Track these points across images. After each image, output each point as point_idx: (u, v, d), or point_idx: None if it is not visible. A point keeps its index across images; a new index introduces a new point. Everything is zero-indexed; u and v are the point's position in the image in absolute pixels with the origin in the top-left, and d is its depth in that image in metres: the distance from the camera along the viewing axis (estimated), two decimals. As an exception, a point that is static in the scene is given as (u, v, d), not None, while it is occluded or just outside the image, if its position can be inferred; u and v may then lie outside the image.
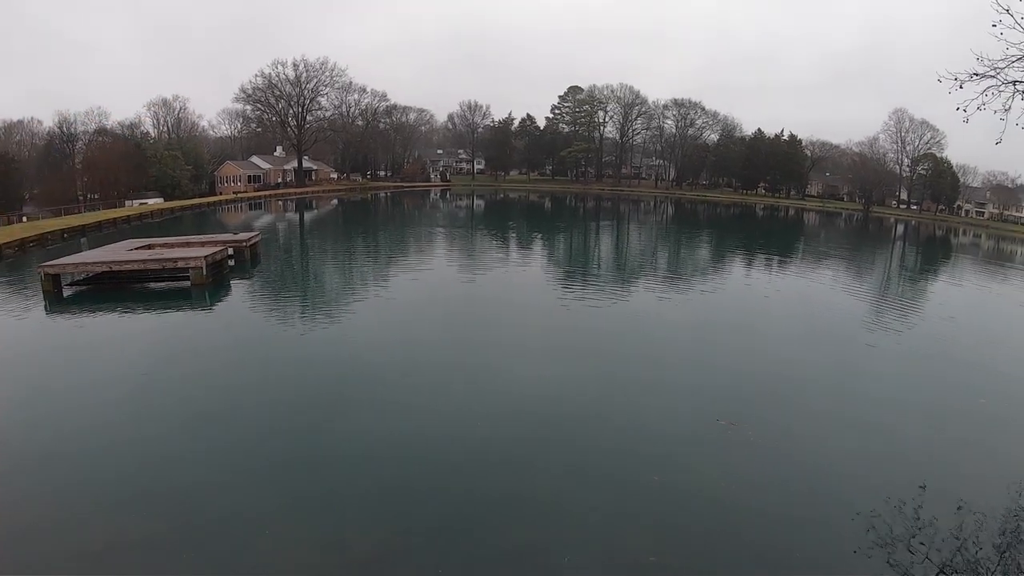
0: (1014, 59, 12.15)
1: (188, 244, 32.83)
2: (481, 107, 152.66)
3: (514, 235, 63.26)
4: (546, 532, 11.61)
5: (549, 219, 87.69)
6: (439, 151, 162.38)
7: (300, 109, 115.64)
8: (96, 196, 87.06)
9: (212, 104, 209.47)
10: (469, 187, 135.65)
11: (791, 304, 35.68)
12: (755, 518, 12.73)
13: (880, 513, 13.05)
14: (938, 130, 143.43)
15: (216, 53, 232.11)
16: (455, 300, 30.25)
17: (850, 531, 12.35)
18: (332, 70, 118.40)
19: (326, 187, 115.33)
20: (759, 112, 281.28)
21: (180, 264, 28.01)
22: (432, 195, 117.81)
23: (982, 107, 12.79)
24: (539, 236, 63.97)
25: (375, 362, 19.78)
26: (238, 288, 29.41)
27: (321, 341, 21.85)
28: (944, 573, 11.60)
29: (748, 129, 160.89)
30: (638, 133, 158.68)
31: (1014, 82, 12.50)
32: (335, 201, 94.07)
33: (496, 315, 27.77)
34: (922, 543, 12.33)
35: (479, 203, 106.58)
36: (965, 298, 45.16)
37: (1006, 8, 11.39)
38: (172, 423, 14.34)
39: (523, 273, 39.42)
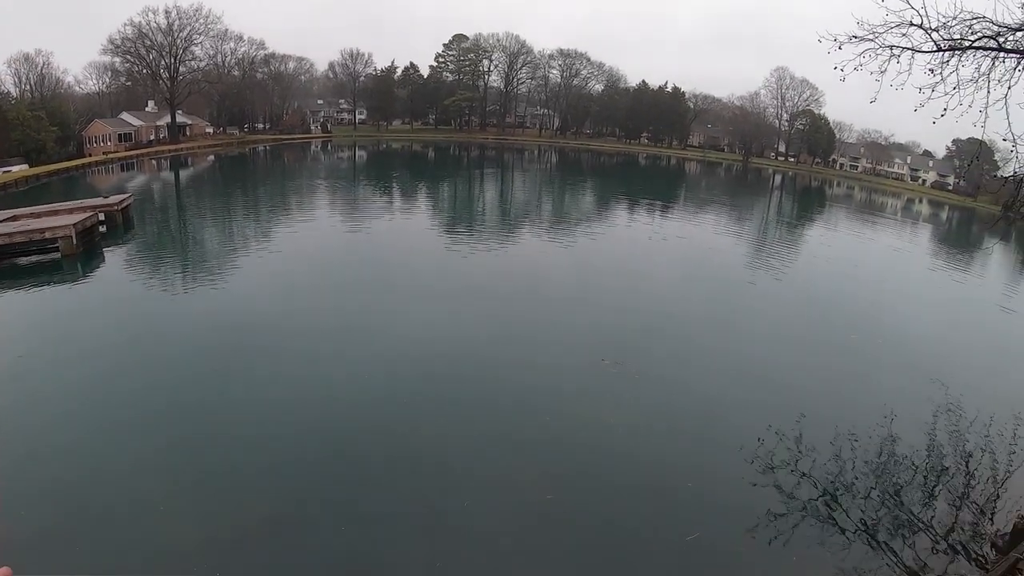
0: (892, 25, 13.14)
1: (55, 212, 31.36)
2: (363, 55, 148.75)
3: (398, 186, 63.47)
4: (443, 487, 12.15)
5: (433, 169, 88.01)
6: (319, 101, 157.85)
7: (173, 60, 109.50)
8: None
9: (78, 57, 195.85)
10: (351, 138, 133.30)
11: (673, 248, 37.46)
12: (644, 453, 13.90)
13: (764, 441, 14.51)
14: (817, 88, 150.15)
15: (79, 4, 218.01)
16: (341, 255, 30.61)
17: (736, 460, 13.65)
18: (207, 17, 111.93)
19: (202, 143, 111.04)
20: (645, 64, 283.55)
21: (48, 235, 27.07)
22: (313, 147, 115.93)
23: (859, 68, 13.86)
24: (423, 186, 64.45)
25: (263, 326, 19.84)
26: (112, 256, 28.63)
27: (203, 310, 21.63)
28: (826, 494, 13.10)
29: (633, 80, 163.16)
30: (523, 83, 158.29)
31: (891, 47, 13.52)
32: (211, 157, 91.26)
33: (383, 268, 28.22)
34: (804, 468, 13.78)
35: (361, 154, 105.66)
36: (839, 243, 48.36)
37: None
38: (55, 409, 14.11)
39: (408, 224, 40.21)
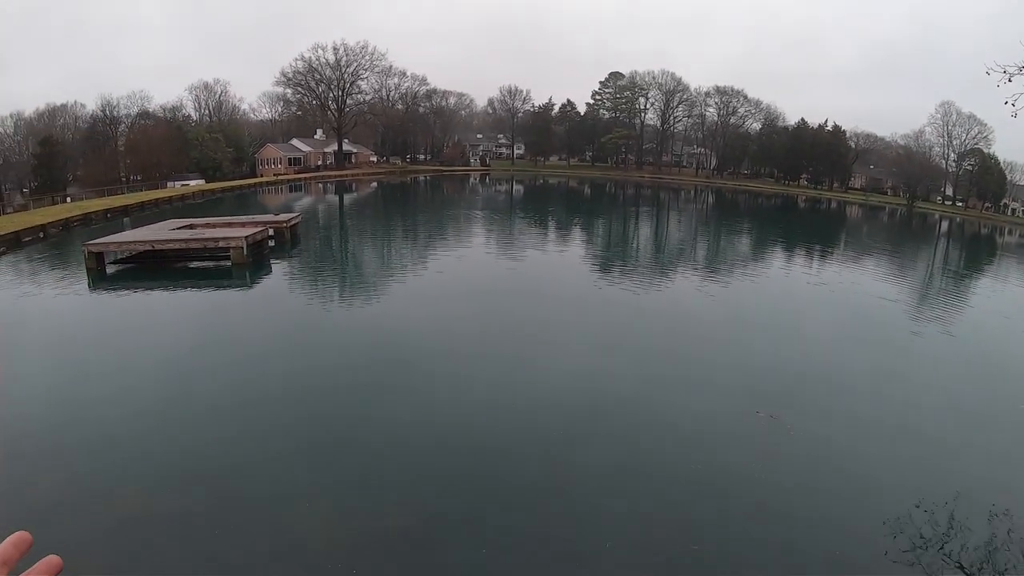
0: None
1: (229, 224, 33.01)
2: (521, 92, 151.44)
3: (553, 221, 62.90)
4: (583, 521, 11.53)
5: (588, 206, 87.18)
6: (479, 135, 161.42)
7: (340, 92, 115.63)
8: (139, 178, 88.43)
9: (253, 87, 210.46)
10: (508, 172, 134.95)
11: (832, 301, 35.03)
12: (789, 515, 12.61)
13: (912, 518, 12.77)
14: (985, 124, 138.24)
15: (256, 35, 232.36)
16: (493, 286, 30.09)
17: (881, 534, 12.10)
18: (372, 54, 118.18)
19: (365, 170, 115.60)
20: (802, 100, 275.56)
21: (221, 244, 28.16)
22: (471, 179, 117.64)
23: None
24: (578, 223, 63.55)
25: (413, 347, 19.71)
26: (278, 269, 29.64)
27: (359, 324, 21.87)
28: None
29: (791, 118, 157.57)
30: (679, 120, 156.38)
31: None
32: (374, 184, 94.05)
33: (534, 303, 27.59)
34: (951, 551, 12.05)
35: (518, 188, 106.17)
36: (1014, 300, 44.09)
37: None
38: (210, 403, 14.40)
39: (561, 261, 39.19)
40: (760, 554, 11.17)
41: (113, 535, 9.82)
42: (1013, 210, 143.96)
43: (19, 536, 1.04)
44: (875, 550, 11.67)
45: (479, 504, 11.59)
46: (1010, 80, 12.50)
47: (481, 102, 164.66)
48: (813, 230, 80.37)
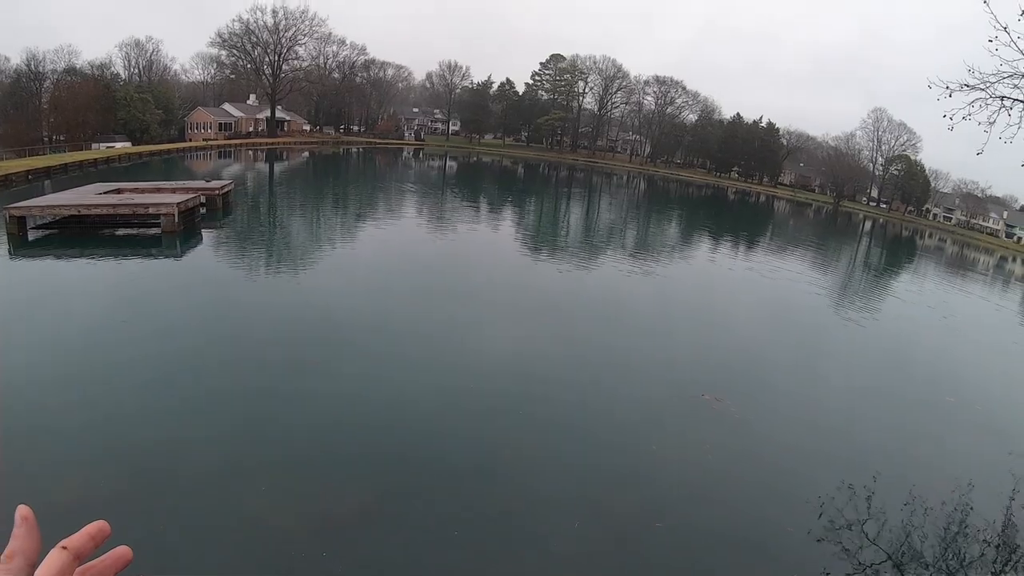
0: (1005, 75, 12.55)
1: (159, 190, 32.30)
2: (461, 68, 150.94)
3: (485, 198, 63.40)
4: (533, 501, 11.87)
5: (522, 185, 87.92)
6: (415, 109, 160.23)
7: (276, 58, 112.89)
8: (63, 138, 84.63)
9: (186, 47, 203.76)
10: (443, 148, 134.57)
11: (759, 290, 36.32)
12: (722, 498, 13.19)
13: (835, 499, 13.56)
14: (915, 133, 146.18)
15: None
16: (425, 261, 30.38)
17: (805, 513, 12.85)
18: (312, 20, 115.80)
19: (298, 139, 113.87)
20: (742, 97, 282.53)
21: (151, 211, 27.48)
22: (405, 153, 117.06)
23: (968, 117, 13.21)
24: (511, 201, 64.32)
25: (347, 322, 19.80)
26: (209, 238, 29.16)
27: (292, 298, 21.79)
28: (891, 559, 12.10)
29: (728, 112, 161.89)
30: (617, 107, 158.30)
31: (1002, 97, 12.91)
32: (306, 154, 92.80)
33: (465, 277, 28.12)
34: (871, 530, 12.85)
35: (452, 164, 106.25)
36: (931, 297, 46.35)
37: (1004, 26, 11.79)
38: (139, 376, 14.19)
39: (494, 240, 39.60)
40: (696, 535, 11.85)
41: (41, 515, 9.54)
42: (935, 215, 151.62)
43: (97, 526, 0.95)
44: (802, 530, 12.42)
45: (430, 483, 11.74)
46: (950, 95, 13.36)
47: (419, 75, 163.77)
48: (742, 221, 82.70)
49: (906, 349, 28.73)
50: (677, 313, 27.30)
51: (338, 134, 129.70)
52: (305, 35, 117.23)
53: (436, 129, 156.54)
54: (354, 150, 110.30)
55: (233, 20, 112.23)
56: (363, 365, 16.42)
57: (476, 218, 47.72)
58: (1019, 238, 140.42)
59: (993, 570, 12.66)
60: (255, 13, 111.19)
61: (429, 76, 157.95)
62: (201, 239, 28.56)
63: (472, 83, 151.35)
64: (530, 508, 11.52)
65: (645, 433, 15.15)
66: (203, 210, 32.67)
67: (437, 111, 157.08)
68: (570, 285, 28.99)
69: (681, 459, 14.23)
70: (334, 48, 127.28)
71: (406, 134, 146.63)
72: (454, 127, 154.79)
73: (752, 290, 35.31)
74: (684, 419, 16.30)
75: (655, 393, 17.67)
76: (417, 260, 30.09)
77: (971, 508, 14.55)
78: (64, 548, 0.97)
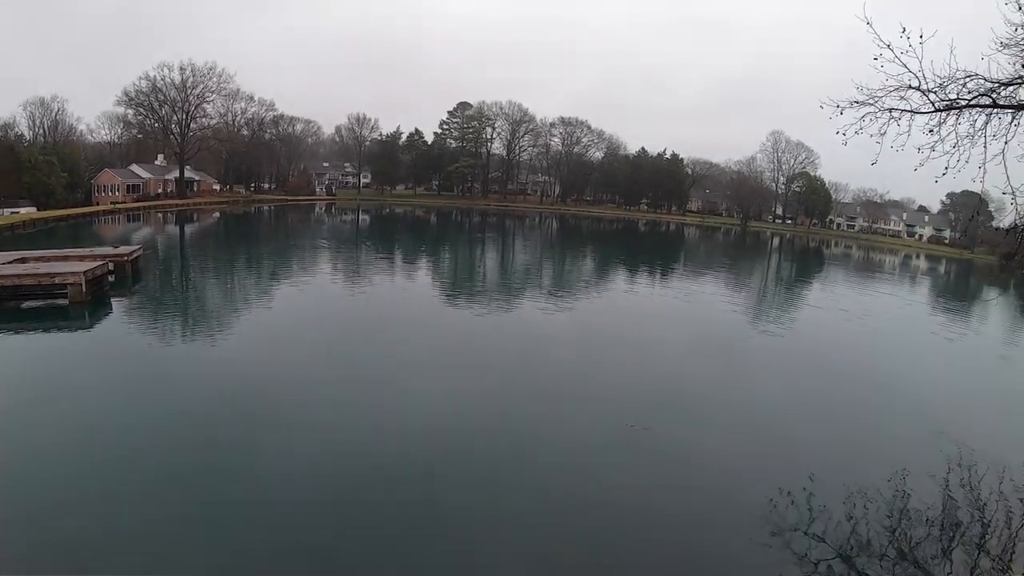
0: (891, 89, 13.84)
1: (66, 258, 31.51)
2: (369, 120, 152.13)
3: (400, 250, 63.99)
4: (476, 545, 12.04)
5: (435, 234, 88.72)
6: (325, 164, 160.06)
7: (184, 116, 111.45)
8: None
9: (92, 106, 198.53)
10: (355, 201, 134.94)
11: (677, 311, 37.83)
12: (670, 518, 13.83)
13: (776, 504, 14.43)
14: (812, 151, 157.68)
15: (97, 49, 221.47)
16: (343, 317, 30.46)
17: (750, 523, 13.58)
18: (220, 76, 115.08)
19: (208, 199, 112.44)
20: (646, 131, 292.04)
21: (57, 280, 26.84)
22: (317, 209, 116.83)
23: (859, 132, 14.51)
24: (425, 251, 64.97)
25: (265, 384, 19.58)
26: (120, 307, 28.35)
27: (210, 366, 21.32)
28: (841, 554, 12.89)
29: (632, 147, 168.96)
30: (525, 150, 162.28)
31: (890, 109, 14.22)
32: (217, 214, 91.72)
33: (385, 333, 27.96)
34: (817, 530, 13.66)
35: (365, 218, 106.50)
36: (842, 300, 49.19)
37: (887, 44, 12.90)
38: (50, 451, 13.96)
39: (410, 289, 40.21)
40: (645, 569, 12.05)
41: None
42: (838, 224, 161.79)
43: None
44: (747, 539, 13.05)
45: (370, 550, 11.62)
46: (841, 113, 14.62)
47: (329, 129, 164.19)
48: (655, 250, 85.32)
49: (826, 353, 30.52)
50: (599, 346, 28.06)
51: (249, 192, 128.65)
52: (213, 92, 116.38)
53: (347, 183, 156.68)
54: (266, 208, 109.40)
55: (140, 78, 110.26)
56: (284, 434, 16.10)
57: (392, 270, 48.13)
58: (920, 236, 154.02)
59: (941, 547, 13.57)
60: (162, 70, 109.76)
61: (338, 129, 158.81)
62: (111, 309, 27.76)
63: (381, 134, 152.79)
64: (474, 564, 11.54)
65: (581, 472, 15.45)
66: (112, 278, 31.87)
67: (347, 164, 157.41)
68: (490, 329, 29.58)
69: (619, 494, 14.59)
70: (242, 104, 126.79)
71: (317, 189, 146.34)
72: (365, 179, 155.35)
73: (671, 315, 36.74)
74: (617, 452, 16.76)
75: (585, 430, 18.04)
76: (335, 318, 30.14)
77: (910, 493, 15.59)
78: None
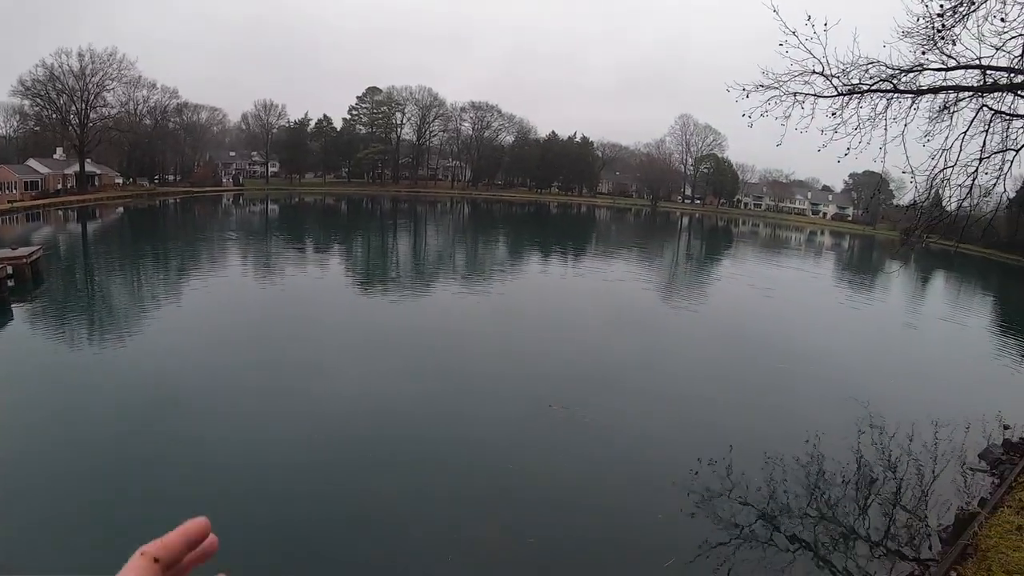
0: (796, 74, 15.10)
1: (-37, 264, 30.26)
2: (276, 107, 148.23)
3: (311, 240, 64.25)
4: (409, 541, 12.38)
5: (346, 222, 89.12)
6: (231, 153, 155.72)
7: (84, 106, 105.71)
8: None
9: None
10: (263, 191, 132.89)
11: (595, 292, 39.37)
12: (594, 493, 14.72)
13: (698, 473, 15.46)
14: (720, 133, 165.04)
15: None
16: (253, 311, 30.67)
17: (674, 495, 14.50)
18: (120, 62, 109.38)
19: (111, 193, 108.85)
20: (556, 116, 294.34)
21: (-47, 287, 25.77)
22: (224, 200, 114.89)
23: (765, 114, 15.73)
24: (337, 240, 65.30)
25: (177, 384, 19.53)
26: (21, 313, 27.80)
27: (118, 366, 21.29)
28: (764, 517, 14.01)
29: (543, 131, 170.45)
30: (435, 135, 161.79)
31: (795, 93, 15.49)
32: (120, 209, 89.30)
33: (299, 324, 28.26)
34: (738, 495, 14.76)
35: (274, 208, 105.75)
36: (751, 276, 51.75)
37: (793, 31, 13.92)
38: None
39: (323, 280, 40.79)
40: (570, 542, 12.90)
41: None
42: (745, 204, 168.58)
43: (197, 525, 0.97)
44: (673, 512, 13.90)
45: (274, 551, 11.77)
46: (747, 96, 15.80)
47: (235, 117, 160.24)
48: (568, 232, 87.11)
49: (739, 324, 32.53)
50: (515, 329, 29.27)
51: (153, 186, 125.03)
52: (113, 79, 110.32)
53: (255, 172, 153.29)
54: (171, 201, 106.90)
55: (36, 66, 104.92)
56: (203, 427, 16.42)
57: (303, 261, 48.71)
58: (824, 214, 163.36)
59: (858, 505, 14.98)
60: (60, 57, 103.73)
61: (245, 117, 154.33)
62: (11, 315, 27.02)
63: (289, 122, 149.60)
64: (404, 551, 12.04)
65: (503, 455, 16.17)
66: (11, 282, 30.57)
67: (255, 153, 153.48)
68: (406, 316, 30.57)
69: (541, 472, 15.48)
70: (144, 93, 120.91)
71: (224, 180, 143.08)
72: (273, 168, 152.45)
73: (586, 296, 38.32)
74: (537, 433, 17.75)
75: (505, 413, 18.95)
76: (247, 312, 30.31)
77: (825, 455, 17.13)
78: (142, 554, 0.84)
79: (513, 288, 39.60)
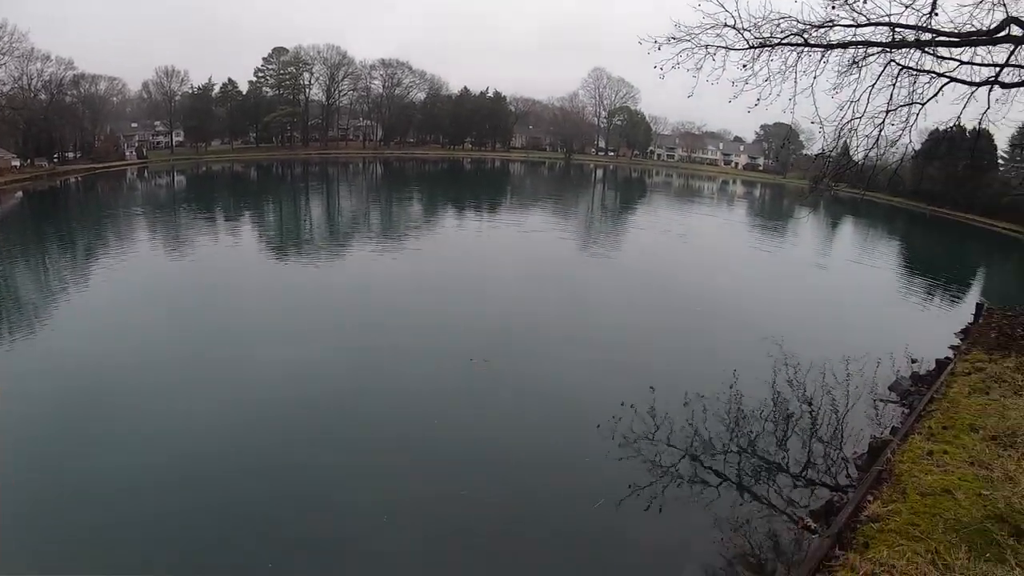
0: (708, 27, 16.13)
1: None
2: (179, 72, 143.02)
3: (221, 211, 63.44)
4: (342, 506, 12.82)
5: (256, 189, 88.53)
6: (133, 124, 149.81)
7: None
8: None
9: None
10: (168, 163, 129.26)
11: (512, 245, 40.29)
12: (520, 445, 15.55)
13: (620, 418, 16.29)
14: (633, 86, 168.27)
15: None
16: (168, 289, 30.33)
17: (598, 439, 15.34)
18: (12, 35, 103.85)
19: (8, 177, 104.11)
20: (473, 73, 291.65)
21: None
22: (129, 175, 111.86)
23: (677, 66, 16.78)
24: (248, 209, 64.71)
25: (94, 372, 19.47)
26: None
27: (30, 357, 21.07)
28: (687, 456, 14.99)
29: (455, 87, 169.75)
30: (345, 95, 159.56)
31: (707, 46, 16.55)
32: (19, 193, 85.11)
33: (216, 300, 28.28)
34: (661, 437, 15.70)
35: (180, 179, 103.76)
36: (666, 223, 53.66)
37: None
38: None
39: (236, 251, 40.88)
40: (498, 494, 13.47)
41: None
42: (658, 155, 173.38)
43: None
44: (599, 455, 14.68)
45: (224, 529, 12.04)
46: (659, 49, 16.76)
47: (135, 86, 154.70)
48: (482, 187, 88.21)
49: (655, 270, 34.04)
50: (434, 286, 30.01)
51: (52, 165, 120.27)
52: (4, 53, 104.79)
53: (159, 143, 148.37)
54: (73, 180, 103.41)
55: None
56: (125, 410, 16.57)
57: (215, 232, 48.43)
58: (736, 163, 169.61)
59: (776, 439, 16.12)
60: None
61: (145, 85, 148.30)
62: None
63: (192, 87, 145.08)
64: (339, 518, 12.40)
65: (426, 411, 16.82)
66: None
67: (158, 123, 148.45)
68: (323, 279, 31.01)
69: (467, 426, 16.33)
70: (39, 66, 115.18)
71: (127, 153, 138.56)
72: (178, 138, 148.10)
73: (503, 249, 39.43)
74: (462, 387, 18.51)
75: (428, 369, 19.72)
76: (161, 290, 29.94)
77: (743, 394, 18.36)
78: None
79: (429, 244, 40.30)
